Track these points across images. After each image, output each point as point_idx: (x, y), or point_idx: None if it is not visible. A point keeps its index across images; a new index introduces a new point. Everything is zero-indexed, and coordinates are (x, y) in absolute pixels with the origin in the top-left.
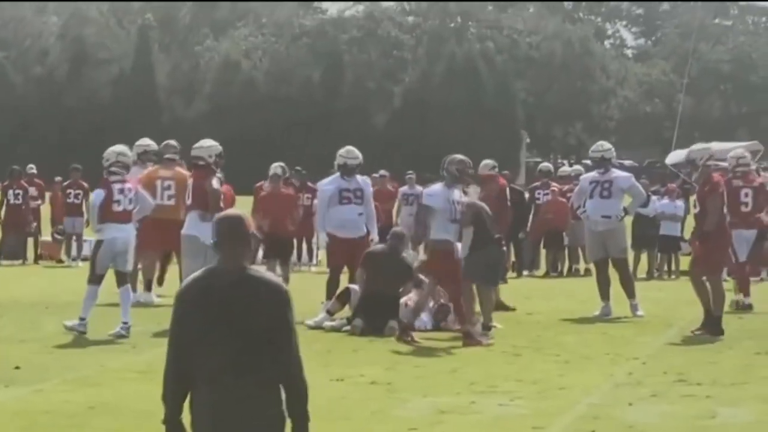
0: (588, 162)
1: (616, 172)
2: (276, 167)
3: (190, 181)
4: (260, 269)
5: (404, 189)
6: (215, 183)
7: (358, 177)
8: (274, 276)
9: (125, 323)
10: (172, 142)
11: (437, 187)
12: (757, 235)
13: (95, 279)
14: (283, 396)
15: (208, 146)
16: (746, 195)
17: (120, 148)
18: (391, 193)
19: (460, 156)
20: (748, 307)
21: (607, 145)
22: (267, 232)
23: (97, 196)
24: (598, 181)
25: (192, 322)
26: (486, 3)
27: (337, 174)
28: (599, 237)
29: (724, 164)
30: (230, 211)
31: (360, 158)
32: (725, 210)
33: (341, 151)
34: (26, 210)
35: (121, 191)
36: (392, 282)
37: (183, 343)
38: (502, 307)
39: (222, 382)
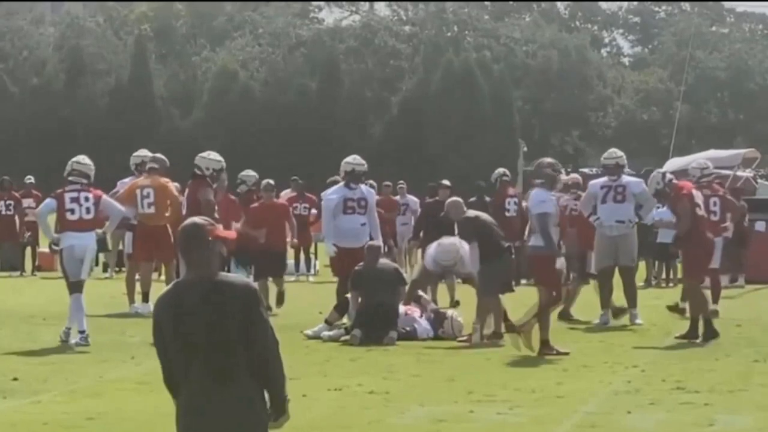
0: (585, 170)
1: (627, 178)
2: (251, 176)
3: (185, 192)
4: (231, 276)
5: (396, 198)
6: (209, 194)
7: (363, 186)
8: (241, 277)
9: (81, 331)
10: (160, 155)
11: (542, 192)
12: (736, 242)
13: (72, 288)
14: (264, 394)
15: (209, 159)
16: (714, 204)
17: (77, 157)
18: (394, 203)
19: (548, 158)
20: (715, 314)
21: (619, 152)
22: (261, 245)
23: (44, 205)
24: (610, 186)
25: (168, 332)
26: (483, 12)
27: (341, 184)
28: (611, 243)
29: (726, 172)
30: (188, 221)
31: (366, 166)
32: (701, 212)
33: (348, 158)
34: (19, 221)
35: (75, 200)
36: (387, 290)
37: (163, 352)
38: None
39: (201, 386)
